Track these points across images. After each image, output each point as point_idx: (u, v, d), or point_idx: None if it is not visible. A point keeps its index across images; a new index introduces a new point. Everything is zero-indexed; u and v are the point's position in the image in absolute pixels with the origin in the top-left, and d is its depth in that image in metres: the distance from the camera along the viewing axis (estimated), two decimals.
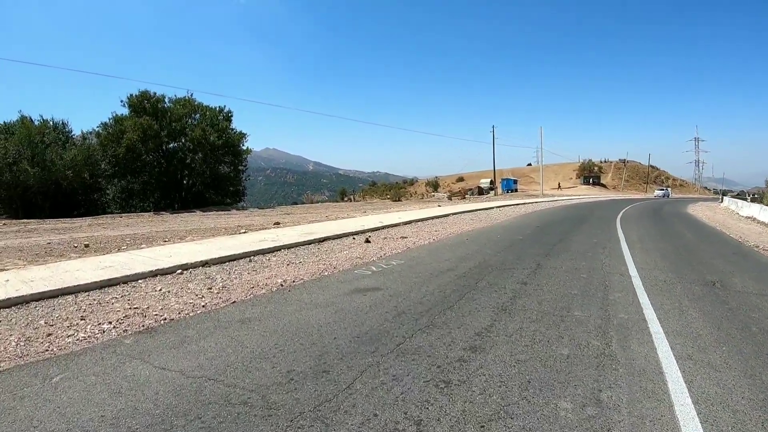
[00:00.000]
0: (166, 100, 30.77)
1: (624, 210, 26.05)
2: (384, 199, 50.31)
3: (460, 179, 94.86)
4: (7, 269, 7.16)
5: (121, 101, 29.44)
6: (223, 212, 24.93)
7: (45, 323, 4.64)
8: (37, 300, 5.40)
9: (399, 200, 45.56)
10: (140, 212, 26.02)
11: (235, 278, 6.75)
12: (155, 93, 30.25)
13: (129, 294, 5.81)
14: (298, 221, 16.53)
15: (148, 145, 28.09)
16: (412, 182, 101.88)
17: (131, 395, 3.05)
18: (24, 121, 25.86)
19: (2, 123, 27.02)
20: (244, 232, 12.35)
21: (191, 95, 32.08)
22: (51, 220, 19.27)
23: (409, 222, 15.84)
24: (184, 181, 31.71)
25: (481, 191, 62.71)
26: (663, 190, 69.81)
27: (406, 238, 11.62)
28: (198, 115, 31.84)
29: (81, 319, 4.75)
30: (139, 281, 6.45)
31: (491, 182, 65.92)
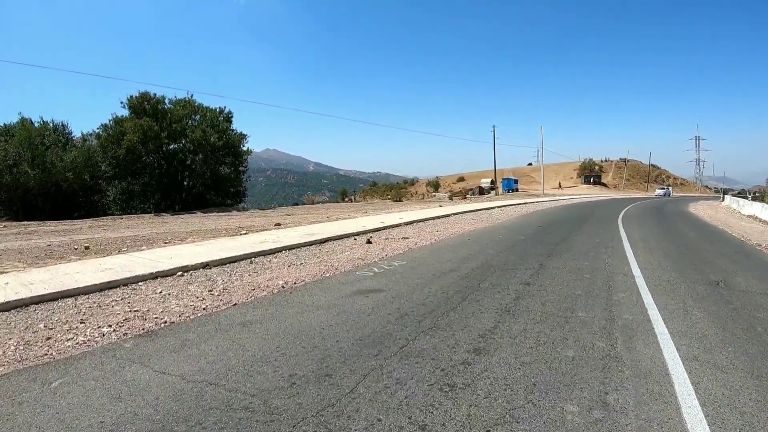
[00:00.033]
0: (166, 101, 30.80)
1: (625, 209, 25.99)
2: (385, 199, 50.28)
3: (461, 179, 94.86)
4: (7, 272, 7.12)
5: (121, 102, 29.50)
6: (223, 213, 24.90)
7: (44, 327, 4.59)
8: (36, 303, 5.36)
9: (400, 200, 45.52)
10: (141, 214, 26.00)
11: (236, 280, 6.71)
12: (155, 94, 30.30)
13: (129, 296, 5.77)
14: (299, 222, 16.49)
15: (149, 146, 28.08)
16: (412, 182, 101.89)
17: (131, 400, 3.01)
18: (24, 123, 25.86)
19: (2, 125, 27.04)
20: (245, 234, 12.31)
21: (191, 96, 32.14)
22: (51, 221, 19.25)
23: (411, 222, 15.79)
24: (185, 183, 31.70)
25: (482, 191, 62.67)
26: (664, 189, 69.74)
27: (407, 238, 11.58)
28: (198, 116, 31.84)
29: (80, 323, 4.70)
30: (140, 283, 6.40)
31: (492, 182, 65.88)
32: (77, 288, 5.84)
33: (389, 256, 8.94)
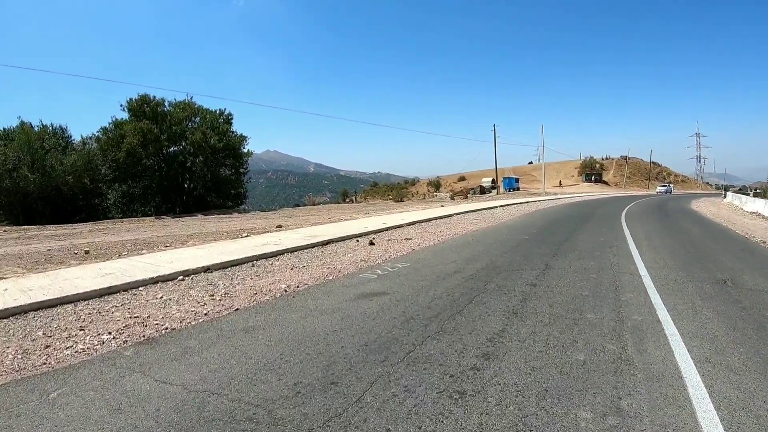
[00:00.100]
0: (166, 103, 30.68)
1: (628, 207, 25.91)
2: (386, 199, 50.21)
3: (462, 179, 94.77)
4: (6, 277, 7.04)
5: (121, 105, 29.38)
6: (224, 215, 24.82)
7: (43, 334, 4.51)
8: (35, 310, 5.27)
9: (401, 201, 45.43)
10: (141, 217, 25.93)
11: (238, 284, 6.61)
12: (155, 97, 30.17)
13: (129, 302, 5.68)
14: (301, 224, 16.41)
15: (149, 149, 27.98)
16: (413, 182, 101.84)
17: (131, 412, 2.92)
18: (23, 127, 25.79)
19: (2, 129, 26.97)
20: (246, 236, 12.23)
21: (191, 98, 32.01)
22: (51, 226, 19.18)
23: (413, 223, 15.69)
24: (185, 185, 31.61)
25: (483, 190, 62.58)
26: (665, 186, 69.61)
27: (410, 239, 11.49)
28: (198, 118, 31.73)
29: (80, 330, 4.62)
30: (140, 288, 6.31)
31: (493, 181, 65.77)
32: (77, 294, 5.76)
33: (392, 257, 8.85)
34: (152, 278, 6.66)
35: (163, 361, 3.77)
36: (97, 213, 27.67)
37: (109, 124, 28.74)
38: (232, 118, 33.40)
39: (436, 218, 17.69)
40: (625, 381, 3.26)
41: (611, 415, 2.79)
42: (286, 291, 6.18)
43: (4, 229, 17.69)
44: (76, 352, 4.06)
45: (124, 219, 24.13)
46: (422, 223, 15.92)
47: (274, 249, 9.31)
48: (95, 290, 5.94)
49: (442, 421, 2.72)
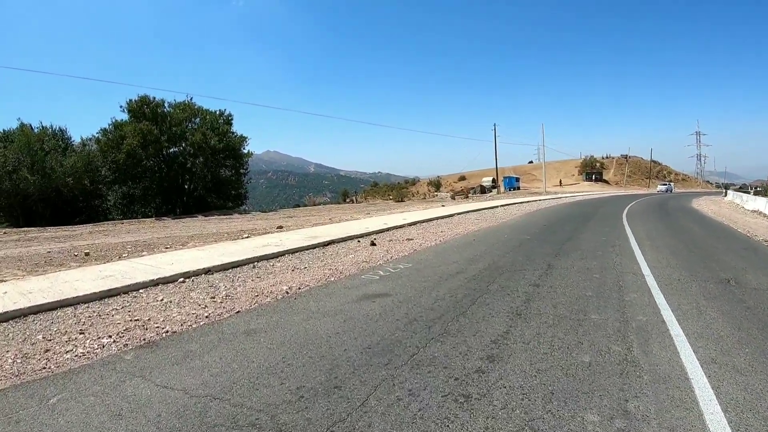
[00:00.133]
0: (166, 104, 30.64)
1: (629, 206, 25.86)
2: (386, 199, 50.15)
3: (462, 178, 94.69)
4: (6, 280, 7.01)
5: (121, 107, 29.33)
6: (225, 216, 24.78)
7: (43, 338, 4.47)
8: (35, 313, 5.23)
9: (402, 201, 45.36)
10: (142, 218, 25.90)
11: (239, 286, 6.57)
12: (155, 98, 30.12)
13: (130, 305, 5.64)
14: (302, 224, 16.37)
15: (149, 150, 27.92)
16: (413, 182, 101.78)
17: (132, 418, 2.87)
18: (23, 129, 25.76)
19: (1, 131, 26.95)
20: (247, 237, 12.19)
21: (191, 99, 31.97)
22: (52, 227, 19.15)
23: (414, 223, 15.65)
24: (186, 186, 31.57)
25: (483, 190, 62.51)
26: (666, 185, 69.54)
27: (412, 239, 11.44)
28: (198, 119, 31.68)
29: (80, 333, 4.57)
30: (140, 291, 6.27)
31: (493, 180, 65.70)
32: (77, 297, 5.72)
33: (394, 258, 8.80)
34: (153, 280, 6.62)
35: (163, 365, 3.72)
36: (98, 214, 27.65)
37: (109, 125, 28.71)
38: (232, 119, 33.38)
39: (437, 218, 17.64)
40: (631, 383, 3.22)
41: (618, 418, 2.75)
42: (287, 293, 6.14)
43: (4, 231, 17.66)
44: (76, 356, 4.01)
45: (125, 220, 24.11)
46: (423, 223, 15.88)
47: (275, 250, 9.27)
48: (95, 293, 5.91)
49: (448, 426, 2.68)
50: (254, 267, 7.94)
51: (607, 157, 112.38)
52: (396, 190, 62.16)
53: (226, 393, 3.17)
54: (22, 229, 18.97)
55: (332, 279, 6.98)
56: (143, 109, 29.07)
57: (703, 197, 39.46)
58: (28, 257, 9.70)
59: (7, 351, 4.13)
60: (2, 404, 3.12)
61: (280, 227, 15.09)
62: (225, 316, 5.12)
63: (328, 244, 10.58)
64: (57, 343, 4.34)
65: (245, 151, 33.93)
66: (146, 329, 4.69)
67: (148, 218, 25.29)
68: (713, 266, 7.53)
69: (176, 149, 30.72)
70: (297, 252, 9.49)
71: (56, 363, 3.87)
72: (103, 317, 5.13)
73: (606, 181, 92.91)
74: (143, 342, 4.34)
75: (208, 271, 7.42)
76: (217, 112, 32.76)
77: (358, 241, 11.13)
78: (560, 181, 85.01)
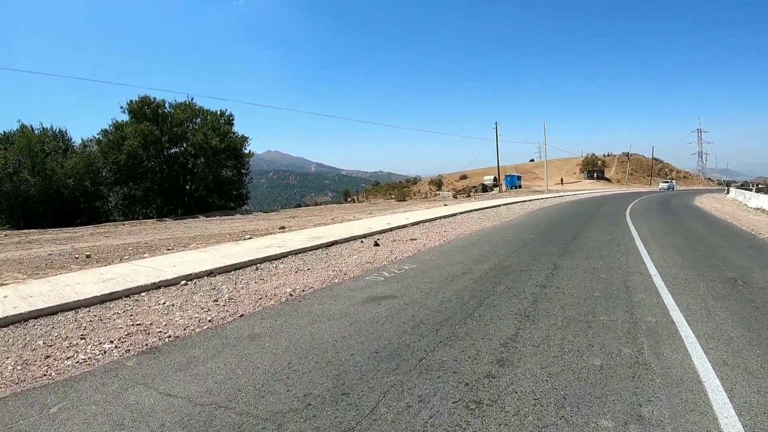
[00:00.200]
0: (167, 105, 30.60)
1: (632, 204, 25.77)
2: (388, 199, 50.04)
3: (464, 177, 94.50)
4: (6, 284, 6.94)
5: (121, 107, 29.29)
6: (226, 217, 24.72)
7: (43, 344, 4.39)
8: (35, 317, 5.16)
9: (404, 200, 45.22)
10: (143, 219, 25.85)
11: (242, 288, 6.49)
12: (155, 98, 30.08)
13: (131, 308, 5.56)
14: (304, 225, 16.29)
15: (150, 151, 27.88)
16: (415, 181, 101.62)
17: (135, 427, 2.79)
18: (24, 130, 25.73)
19: (2, 132, 26.93)
20: (249, 238, 12.10)
21: (191, 99, 31.93)
22: (53, 229, 19.10)
23: (417, 223, 15.56)
24: (187, 187, 31.52)
25: (485, 188, 62.37)
26: (668, 182, 69.40)
27: (415, 239, 11.36)
28: (199, 119, 31.64)
29: (81, 339, 4.50)
30: (142, 294, 6.20)
31: (495, 179, 65.55)
32: (78, 300, 5.64)
33: (398, 258, 8.72)
34: (154, 283, 6.54)
35: (166, 372, 3.65)
36: (99, 216, 27.61)
37: (110, 126, 28.68)
38: (233, 119, 33.33)
39: (440, 218, 17.56)
40: (644, 386, 3.15)
41: (633, 423, 2.69)
42: (291, 295, 6.06)
43: (5, 233, 17.61)
44: (77, 362, 3.94)
45: (126, 221, 24.06)
46: (426, 223, 15.79)
47: (278, 251, 9.19)
48: (96, 296, 5.83)
49: None
50: (257, 269, 7.87)
51: (608, 155, 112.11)
52: (397, 189, 62.01)
53: (232, 401, 3.09)
54: (23, 231, 18.93)
55: (336, 281, 6.90)
56: (144, 110, 29.03)
57: (705, 195, 39.35)
58: (29, 260, 9.63)
59: (8, 357, 4.06)
60: (2, 413, 3.04)
61: (283, 228, 15.01)
62: (228, 320, 5.04)
63: (331, 245, 10.49)
64: (58, 348, 4.26)
65: (246, 151, 33.90)
66: (148, 334, 4.61)
67: (149, 219, 25.24)
68: (719, 265, 7.45)
69: (177, 150, 30.69)
70: (300, 253, 9.41)
71: (57, 370, 3.79)
72: (104, 321, 5.06)
73: (608, 179, 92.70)
74: (145, 347, 4.26)
75: (210, 273, 7.34)
76: (218, 113, 32.73)
77: (362, 242, 11.05)
78: (562, 180, 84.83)
